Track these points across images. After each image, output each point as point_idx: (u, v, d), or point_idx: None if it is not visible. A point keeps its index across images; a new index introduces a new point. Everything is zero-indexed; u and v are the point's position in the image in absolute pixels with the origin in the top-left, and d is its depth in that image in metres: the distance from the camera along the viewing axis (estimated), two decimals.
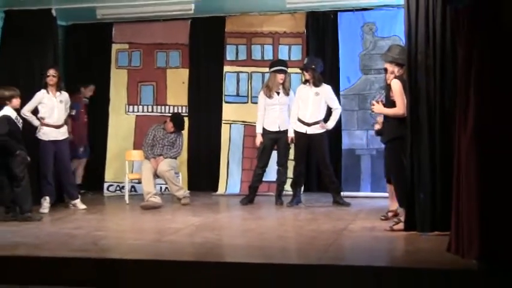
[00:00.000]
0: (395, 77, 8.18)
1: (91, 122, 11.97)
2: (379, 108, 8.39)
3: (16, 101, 9.43)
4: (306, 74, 10.12)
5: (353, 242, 7.88)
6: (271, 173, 10.82)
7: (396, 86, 8.13)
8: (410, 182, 7.72)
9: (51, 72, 10.16)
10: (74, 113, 11.35)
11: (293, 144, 10.29)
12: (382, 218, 8.80)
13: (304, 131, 10.02)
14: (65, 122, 10.44)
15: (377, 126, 8.91)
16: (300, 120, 10.08)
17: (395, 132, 8.13)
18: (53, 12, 10.83)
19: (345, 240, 7.95)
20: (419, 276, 6.34)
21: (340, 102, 10.75)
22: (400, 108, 8.08)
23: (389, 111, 8.28)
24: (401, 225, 8.02)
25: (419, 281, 6.29)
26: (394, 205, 8.59)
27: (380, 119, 8.77)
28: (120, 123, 12.17)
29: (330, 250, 7.42)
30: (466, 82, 6.00)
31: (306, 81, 10.20)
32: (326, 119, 10.22)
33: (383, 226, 8.36)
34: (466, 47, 6.01)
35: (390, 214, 8.71)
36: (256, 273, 6.63)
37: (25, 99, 9.73)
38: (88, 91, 11.86)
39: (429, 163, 7.59)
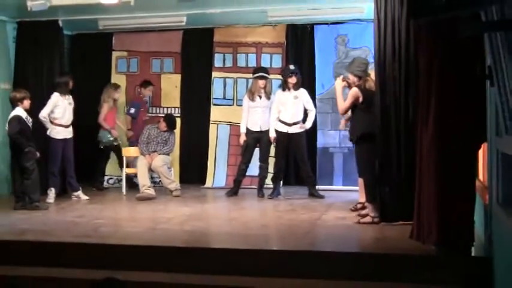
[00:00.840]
0: (356, 86, 8.24)
1: (91, 123, 11.77)
2: (338, 83, 8.51)
3: (26, 102, 9.43)
4: (294, 78, 10.12)
5: (327, 231, 7.95)
6: (253, 168, 10.80)
7: (352, 92, 8.23)
8: (379, 177, 7.78)
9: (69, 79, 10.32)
10: (132, 111, 11.42)
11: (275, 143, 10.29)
12: (352, 209, 8.88)
13: (286, 131, 10.01)
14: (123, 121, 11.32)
15: (341, 126, 9.12)
16: (281, 121, 10.09)
17: (362, 130, 8.16)
18: (60, 23, 10.82)
19: (320, 228, 8.02)
20: (386, 260, 6.44)
21: (315, 105, 10.80)
22: (342, 108, 8.40)
23: (338, 100, 8.45)
24: (368, 219, 8.06)
25: (385, 265, 6.37)
26: (363, 197, 8.62)
27: (343, 121, 9.11)
28: (119, 122, 12.12)
29: (307, 237, 7.50)
30: (427, 88, 6.08)
31: (284, 87, 10.18)
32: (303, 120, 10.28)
33: (353, 216, 8.44)
34: (427, 57, 6.09)
35: (359, 206, 8.77)
36: (241, 258, 6.68)
37: (34, 100, 9.71)
38: (147, 91, 11.69)
39: (396, 160, 7.65)
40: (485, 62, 5.76)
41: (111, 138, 11.26)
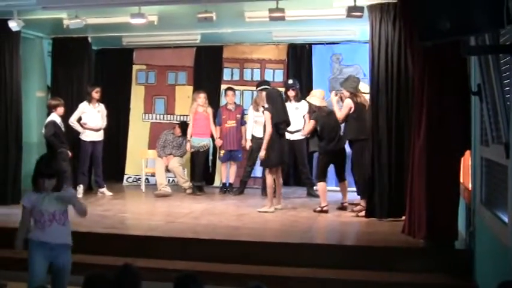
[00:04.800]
0: (349, 97, 8.60)
1: (113, 128, 11.80)
2: (333, 98, 8.98)
3: (60, 109, 9.54)
4: (292, 91, 10.22)
5: (326, 226, 8.06)
6: (256, 170, 10.93)
7: (346, 102, 8.62)
8: (371, 177, 7.88)
9: (99, 89, 10.34)
10: (216, 120, 10.86)
11: None
12: (340, 207, 8.99)
13: (288, 138, 10.01)
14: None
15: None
16: None
17: (351, 136, 8.53)
18: (89, 39, 10.95)
19: (319, 224, 8.11)
20: (381, 252, 6.56)
21: None
22: (340, 117, 8.64)
23: (336, 110, 8.74)
24: (360, 208, 8.39)
25: (380, 256, 6.49)
26: (345, 198, 9.04)
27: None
28: (138, 128, 12.16)
29: (309, 231, 7.60)
30: (419, 103, 6.19)
31: (286, 99, 10.25)
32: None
33: (348, 213, 8.54)
34: (419, 76, 6.20)
35: (344, 204, 8.99)
36: (251, 249, 6.79)
37: (65, 106, 9.81)
38: (228, 97, 10.95)
39: (387, 162, 7.76)
40: (470, 80, 5.91)
41: None
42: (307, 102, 9.29)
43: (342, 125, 8.90)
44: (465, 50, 4.06)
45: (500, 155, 4.34)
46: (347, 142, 8.89)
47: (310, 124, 9.03)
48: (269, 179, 8.90)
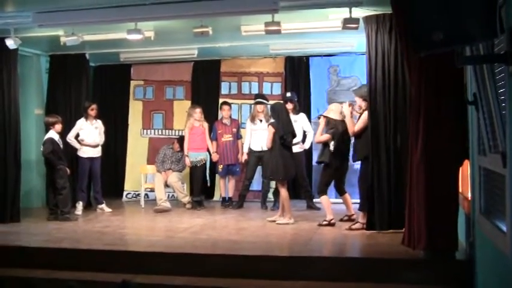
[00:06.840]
0: (365, 110, 8.24)
1: (112, 144, 11.94)
2: (346, 109, 8.59)
3: (58, 126, 9.55)
4: (290, 104, 10.18)
5: (326, 238, 8.02)
6: (254, 184, 10.96)
7: (363, 117, 8.27)
8: (371, 190, 7.87)
9: (95, 106, 10.38)
10: (212, 135, 10.89)
11: None
12: (344, 219, 8.97)
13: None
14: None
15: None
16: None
17: (368, 151, 8.11)
18: (87, 56, 11.04)
19: (320, 236, 8.08)
20: (380, 263, 6.53)
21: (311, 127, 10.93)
22: (354, 131, 8.34)
23: (348, 122, 8.49)
24: (358, 225, 8.27)
25: (380, 267, 6.46)
26: (350, 211, 8.99)
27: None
28: (137, 143, 12.21)
29: (309, 244, 7.57)
30: (417, 113, 6.20)
31: None
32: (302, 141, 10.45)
33: (347, 225, 8.52)
34: (416, 87, 6.21)
35: (346, 218, 8.99)
36: (251, 263, 6.74)
37: (63, 123, 9.87)
38: (223, 112, 10.99)
39: (386, 175, 7.75)
40: (467, 90, 5.92)
41: None
42: (326, 117, 8.84)
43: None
44: (460, 60, 4.07)
45: (498, 164, 4.34)
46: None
47: (325, 136, 8.75)
48: (283, 192, 8.99)
